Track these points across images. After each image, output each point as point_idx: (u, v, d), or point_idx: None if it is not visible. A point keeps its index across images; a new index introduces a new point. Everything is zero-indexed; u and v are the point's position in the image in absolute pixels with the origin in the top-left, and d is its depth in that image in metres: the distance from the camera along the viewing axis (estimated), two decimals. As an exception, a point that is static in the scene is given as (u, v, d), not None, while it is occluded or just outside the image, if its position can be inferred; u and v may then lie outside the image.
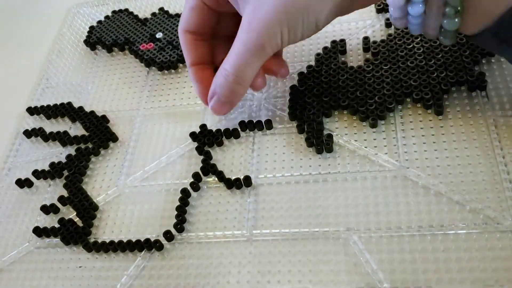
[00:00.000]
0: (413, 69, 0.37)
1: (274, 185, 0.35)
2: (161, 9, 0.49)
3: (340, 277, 0.30)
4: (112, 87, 0.45)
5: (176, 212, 0.34)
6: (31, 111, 0.45)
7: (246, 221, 0.33)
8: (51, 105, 0.44)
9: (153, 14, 0.49)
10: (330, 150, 0.35)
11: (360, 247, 0.30)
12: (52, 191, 0.39)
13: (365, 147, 0.35)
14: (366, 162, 0.34)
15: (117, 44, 0.47)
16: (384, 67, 0.38)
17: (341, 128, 0.36)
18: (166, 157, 0.38)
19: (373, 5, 0.43)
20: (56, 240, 0.36)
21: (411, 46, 0.38)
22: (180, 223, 0.34)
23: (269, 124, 0.37)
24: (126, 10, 0.51)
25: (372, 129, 0.35)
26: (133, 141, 0.40)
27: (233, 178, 0.35)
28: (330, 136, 0.35)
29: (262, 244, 0.32)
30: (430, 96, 0.35)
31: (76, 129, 0.42)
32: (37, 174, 0.39)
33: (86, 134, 0.41)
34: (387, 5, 0.38)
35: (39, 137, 0.42)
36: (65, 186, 0.38)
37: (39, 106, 0.45)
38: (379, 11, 0.43)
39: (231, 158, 0.37)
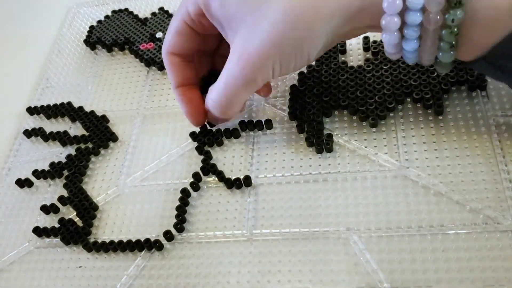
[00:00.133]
0: (413, 68, 0.37)
1: (274, 185, 0.35)
2: (161, 8, 0.49)
3: (340, 277, 0.30)
4: (112, 87, 0.45)
5: (176, 212, 0.34)
6: (31, 111, 0.45)
7: (246, 221, 0.33)
8: (51, 105, 0.44)
9: (153, 13, 0.49)
10: (330, 150, 0.35)
11: (360, 247, 0.30)
12: (52, 191, 0.39)
13: (365, 147, 0.35)
14: (366, 162, 0.34)
15: (117, 44, 0.47)
16: (384, 67, 0.38)
17: (341, 128, 0.36)
18: (166, 157, 0.38)
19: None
20: (56, 240, 0.36)
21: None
22: (180, 223, 0.34)
23: (269, 124, 0.37)
24: (126, 9, 0.51)
25: (372, 129, 0.35)
26: (133, 141, 0.40)
27: (233, 178, 0.35)
28: (330, 136, 0.35)
29: (262, 244, 0.32)
30: (430, 96, 0.35)
31: (76, 129, 0.42)
32: (37, 174, 0.39)
33: (86, 134, 0.41)
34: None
35: (39, 137, 0.42)
36: (65, 186, 0.38)
37: (39, 106, 0.45)
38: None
39: (231, 158, 0.37)
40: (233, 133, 0.38)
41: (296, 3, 0.29)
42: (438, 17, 0.27)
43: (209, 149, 0.38)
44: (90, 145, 0.40)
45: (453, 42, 0.28)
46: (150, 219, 0.35)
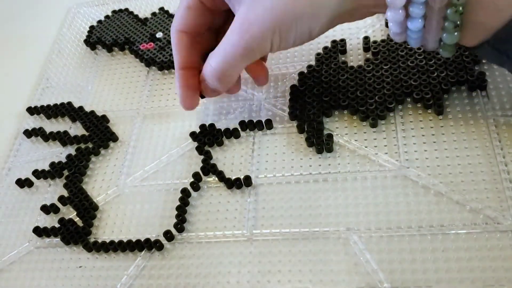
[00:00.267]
0: (413, 68, 0.37)
1: (274, 185, 0.35)
2: (161, 8, 0.49)
3: (340, 277, 0.30)
4: (112, 86, 0.45)
5: (176, 212, 0.34)
6: (31, 111, 0.45)
7: (246, 221, 0.33)
8: (51, 105, 0.44)
9: (153, 13, 0.49)
10: (330, 150, 0.35)
11: (360, 247, 0.30)
12: (52, 191, 0.39)
13: (365, 147, 0.35)
14: (366, 162, 0.34)
15: (117, 43, 0.47)
16: (384, 67, 0.38)
17: (341, 128, 0.36)
18: (166, 157, 0.38)
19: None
20: (56, 240, 0.36)
21: (411, 45, 0.38)
22: (180, 223, 0.34)
23: (269, 124, 0.37)
24: (126, 9, 0.51)
25: (372, 129, 0.35)
26: (133, 141, 0.40)
27: (233, 178, 0.35)
28: (330, 136, 0.35)
29: (262, 244, 0.32)
30: (430, 96, 0.35)
31: (76, 129, 0.42)
32: (37, 174, 0.39)
33: (86, 134, 0.41)
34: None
35: (39, 137, 0.42)
36: (65, 186, 0.38)
37: (39, 106, 0.45)
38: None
39: (231, 158, 0.37)
40: (233, 133, 0.38)
41: None
42: None
43: (209, 149, 0.38)
44: (90, 145, 0.40)
45: (458, 22, 0.27)
46: (150, 219, 0.35)
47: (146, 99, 0.43)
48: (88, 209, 0.36)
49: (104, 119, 0.42)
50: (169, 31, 0.46)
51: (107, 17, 0.51)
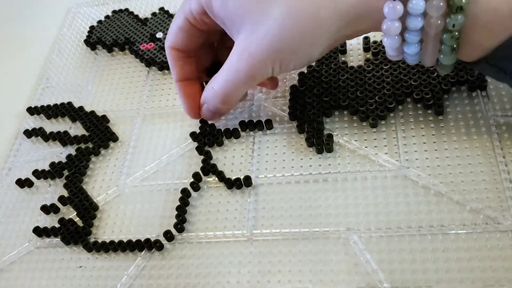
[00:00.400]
0: (413, 68, 0.37)
1: (274, 185, 0.35)
2: (161, 8, 0.49)
3: (340, 277, 0.30)
4: (113, 87, 0.45)
5: (176, 212, 0.34)
6: (31, 111, 0.45)
7: (246, 221, 0.33)
8: (51, 105, 0.44)
9: (153, 14, 0.49)
10: (330, 150, 0.35)
11: (360, 247, 0.30)
12: (52, 191, 0.39)
13: (365, 147, 0.35)
14: (366, 162, 0.34)
15: (117, 44, 0.47)
16: (385, 67, 0.38)
17: (341, 128, 0.36)
18: (166, 157, 0.38)
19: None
20: (57, 240, 0.36)
21: (411, 46, 0.38)
22: (180, 223, 0.34)
23: (269, 124, 0.37)
24: (126, 10, 0.51)
25: (373, 129, 0.35)
26: (133, 141, 0.40)
27: (233, 178, 0.35)
28: (330, 136, 0.35)
29: (262, 244, 0.32)
30: (430, 96, 0.35)
31: (76, 129, 0.42)
32: (37, 174, 0.39)
33: (86, 134, 0.41)
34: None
35: (39, 137, 0.42)
36: (65, 186, 0.38)
37: (39, 106, 0.45)
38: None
39: (231, 158, 0.37)
40: (233, 133, 0.38)
41: (297, 8, 0.29)
42: (439, 21, 0.27)
43: (209, 149, 0.38)
44: (90, 145, 0.40)
45: (454, 46, 0.28)
46: (150, 219, 0.35)
47: (146, 99, 0.43)
48: (88, 209, 0.36)
49: (104, 119, 0.42)
50: (169, 31, 0.46)
51: (107, 17, 0.51)
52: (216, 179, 0.36)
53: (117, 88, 0.45)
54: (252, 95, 0.40)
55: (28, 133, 0.43)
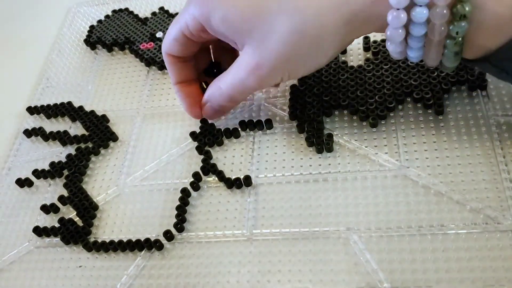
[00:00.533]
0: (414, 68, 0.37)
1: (274, 184, 0.35)
2: (161, 8, 0.49)
3: (340, 277, 0.30)
4: (112, 86, 0.45)
5: (176, 212, 0.34)
6: (31, 110, 0.45)
7: (246, 220, 0.33)
8: (51, 104, 0.44)
9: (153, 13, 0.49)
10: (330, 149, 0.35)
11: (360, 247, 0.30)
12: (52, 190, 0.39)
13: (366, 147, 0.35)
14: (366, 162, 0.34)
15: (117, 43, 0.47)
16: (385, 67, 0.38)
17: (341, 127, 0.36)
18: (166, 157, 0.38)
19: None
20: (56, 240, 0.36)
21: (411, 45, 0.38)
22: (180, 223, 0.34)
23: (269, 124, 0.37)
24: (126, 9, 0.51)
25: (373, 129, 0.35)
26: (133, 141, 0.40)
27: (233, 177, 0.35)
28: (330, 135, 0.35)
29: (262, 243, 0.32)
30: (430, 96, 0.35)
31: (76, 129, 0.42)
32: (37, 173, 0.39)
33: (86, 133, 0.41)
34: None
35: (39, 137, 0.42)
36: (65, 185, 0.38)
37: (39, 105, 0.45)
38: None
39: (231, 158, 0.37)
40: (233, 133, 0.38)
41: (301, 20, 0.29)
42: (443, 28, 0.27)
43: (209, 149, 0.38)
44: (90, 145, 0.40)
45: (457, 51, 0.28)
46: (150, 219, 0.35)
47: (146, 98, 0.43)
48: (88, 208, 0.36)
49: (104, 118, 0.42)
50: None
51: (107, 16, 0.51)
52: (216, 178, 0.36)
53: (117, 88, 0.45)
54: (252, 95, 0.40)
55: (28, 133, 0.43)
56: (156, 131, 0.40)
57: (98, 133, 0.41)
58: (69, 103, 0.44)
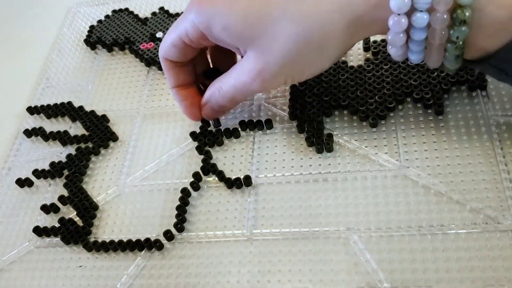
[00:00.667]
0: (413, 68, 0.37)
1: (274, 184, 0.35)
2: (161, 8, 0.49)
3: (340, 277, 0.30)
4: (112, 86, 0.45)
5: (176, 212, 0.34)
6: (31, 110, 0.45)
7: (246, 220, 0.33)
8: (51, 104, 0.44)
9: (153, 13, 0.49)
10: (330, 149, 0.35)
11: (360, 247, 0.30)
12: (52, 190, 0.39)
13: (365, 147, 0.35)
14: (366, 162, 0.34)
15: (117, 43, 0.47)
16: (385, 67, 0.38)
17: (341, 127, 0.36)
18: (166, 157, 0.38)
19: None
20: (56, 240, 0.36)
21: (411, 45, 0.38)
22: (180, 223, 0.34)
23: (269, 124, 0.37)
24: (127, 9, 0.51)
25: (372, 129, 0.35)
26: (133, 141, 0.40)
27: (233, 177, 0.35)
28: (330, 135, 0.35)
29: (262, 243, 0.32)
30: (430, 96, 0.35)
31: (76, 129, 0.42)
32: (37, 173, 0.39)
33: (86, 133, 0.41)
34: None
35: (39, 137, 0.42)
36: (65, 185, 0.38)
37: (39, 105, 0.45)
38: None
39: (231, 158, 0.37)
40: (233, 133, 0.38)
41: (304, 26, 0.29)
42: (443, 32, 0.27)
43: (209, 149, 0.38)
44: (90, 145, 0.40)
45: (459, 54, 0.28)
46: (150, 219, 0.35)
47: (146, 98, 0.43)
48: (88, 208, 0.36)
49: (104, 118, 0.42)
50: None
51: (107, 16, 0.51)
52: (216, 178, 0.36)
53: (117, 88, 0.45)
54: (252, 95, 0.40)
55: (28, 133, 0.43)
56: (156, 131, 0.40)
57: (98, 133, 0.41)
58: (69, 103, 0.44)
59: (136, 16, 0.50)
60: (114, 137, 0.40)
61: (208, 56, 0.38)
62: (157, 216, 0.35)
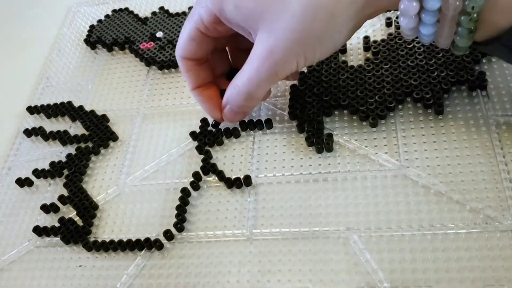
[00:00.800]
0: (414, 68, 0.37)
1: (274, 184, 0.35)
2: (162, 8, 0.49)
3: (340, 277, 0.30)
4: (112, 86, 0.45)
5: (176, 212, 0.34)
6: (31, 110, 0.45)
7: (246, 220, 0.33)
8: (51, 104, 0.44)
9: (153, 13, 0.49)
10: (330, 149, 0.35)
11: (360, 247, 0.30)
12: (52, 190, 0.39)
13: (365, 147, 0.35)
14: (366, 162, 0.34)
15: (117, 43, 0.47)
16: (385, 67, 0.38)
17: (341, 127, 0.36)
18: (166, 156, 0.38)
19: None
20: (56, 239, 0.36)
21: (411, 45, 0.38)
22: (180, 222, 0.34)
23: (269, 124, 0.37)
24: (127, 9, 0.51)
25: (372, 129, 0.35)
26: (133, 140, 0.40)
27: (233, 177, 0.35)
28: (330, 135, 0.35)
29: (262, 243, 0.32)
30: (430, 96, 0.35)
31: (76, 128, 0.42)
32: (37, 173, 0.39)
33: (86, 133, 0.41)
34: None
35: (39, 136, 0.42)
36: (65, 185, 0.38)
37: (39, 105, 0.45)
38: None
39: (231, 158, 0.37)
40: (233, 133, 0.38)
41: None
42: (458, 3, 0.26)
43: (209, 148, 0.38)
44: (90, 145, 0.40)
45: (472, 28, 0.27)
46: (150, 219, 0.35)
47: (146, 98, 0.43)
48: (88, 208, 0.36)
49: (104, 118, 0.42)
50: (169, 31, 0.46)
51: (107, 16, 0.51)
52: (216, 178, 0.36)
53: (117, 88, 0.45)
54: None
55: (28, 133, 0.43)
56: (156, 131, 0.40)
57: (98, 132, 0.41)
58: (69, 102, 0.44)
59: (136, 15, 0.50)
60: (114, 137, 0.40)
61: (230, 59, 0.38)
62: (157, 216, 0.35)
